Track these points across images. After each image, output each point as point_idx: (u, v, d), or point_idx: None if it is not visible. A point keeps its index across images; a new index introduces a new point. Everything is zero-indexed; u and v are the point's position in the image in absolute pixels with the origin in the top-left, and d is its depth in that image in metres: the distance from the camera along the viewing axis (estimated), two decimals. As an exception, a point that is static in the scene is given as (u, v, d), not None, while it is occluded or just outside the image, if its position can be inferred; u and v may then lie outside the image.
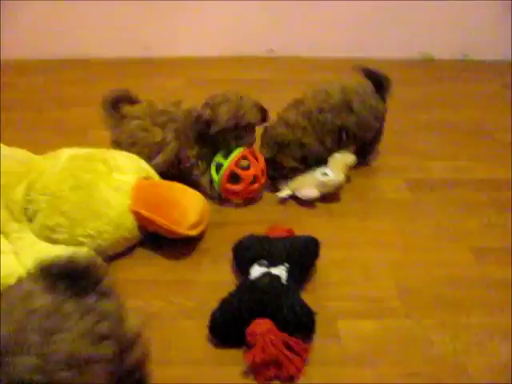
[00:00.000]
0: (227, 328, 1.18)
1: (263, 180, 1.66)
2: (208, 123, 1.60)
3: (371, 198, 1.71)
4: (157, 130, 1.65)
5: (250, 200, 1.67)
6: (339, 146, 1.73)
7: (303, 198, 1.65)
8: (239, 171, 1.61)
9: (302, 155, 1.69)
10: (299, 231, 1.45)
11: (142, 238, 1.49)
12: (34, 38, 2.67)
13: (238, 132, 1.61)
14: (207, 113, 1.59)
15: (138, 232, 1.46)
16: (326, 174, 1.65)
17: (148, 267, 1.42)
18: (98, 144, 1.63)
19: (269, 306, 1.17)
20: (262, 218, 1.59)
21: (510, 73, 2.53)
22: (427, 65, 2.68)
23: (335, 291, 1.34)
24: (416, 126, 2.11)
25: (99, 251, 1.36)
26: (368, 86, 1.78)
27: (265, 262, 1.28)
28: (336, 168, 1.67)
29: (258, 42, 2.71)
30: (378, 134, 1.80)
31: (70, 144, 1.57)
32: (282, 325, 1.14)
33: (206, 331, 1.20)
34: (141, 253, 1.47)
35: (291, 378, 1.11)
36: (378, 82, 1.78)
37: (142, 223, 1.45)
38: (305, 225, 1.55)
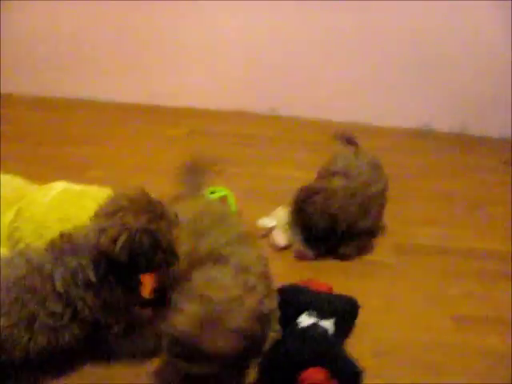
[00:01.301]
0: (276, 374, 1.17)
1: None
2: None
3: (356, 258, 1.70)
4: None
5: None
6: None
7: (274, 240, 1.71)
8: None
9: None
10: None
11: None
12: (42, 75, 2.76)
13: None
14: None
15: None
16: None
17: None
18: (94, 183, 1.63)
19: (321, 356, 1.16)
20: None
21: (509, 150, 2.58)
22: (427, 135, 2.73)
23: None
24: (412, 193, 2.13)
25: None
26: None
27: (314, 312, 1.28)
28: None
29: (261, 99, 2.77)
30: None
31: (68, 181, 1.59)
32: (335, 376, 1.13)
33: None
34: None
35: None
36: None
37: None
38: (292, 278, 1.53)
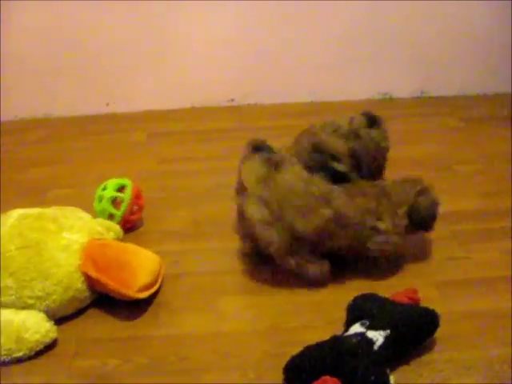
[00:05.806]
0: (299, 373, 1.14)
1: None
2: None
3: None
4: None
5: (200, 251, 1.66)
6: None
7: None
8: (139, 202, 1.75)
9: None
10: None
11: (95, 298, 1.44)
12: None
13: None
14: None
15: (89, 293, 1.41)
16: None
17: (102, 325, 1.37)
18: (57, 203, 1.60)
19: (345, 366, 1.12)
20: (216, 269, 1.57)
21: (467, 107, 2.61)
22: (387, 104, 2.72)
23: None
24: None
25: (48, 313, 1.33)
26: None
27: (366, 322, 1.22)
28: None
29: (219, 92, 2.73)
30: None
31: (29, 204, 1.54)
32: None
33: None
34: (94, 311, 1.42)
35: None
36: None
37: (92, 284, 1.40)
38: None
